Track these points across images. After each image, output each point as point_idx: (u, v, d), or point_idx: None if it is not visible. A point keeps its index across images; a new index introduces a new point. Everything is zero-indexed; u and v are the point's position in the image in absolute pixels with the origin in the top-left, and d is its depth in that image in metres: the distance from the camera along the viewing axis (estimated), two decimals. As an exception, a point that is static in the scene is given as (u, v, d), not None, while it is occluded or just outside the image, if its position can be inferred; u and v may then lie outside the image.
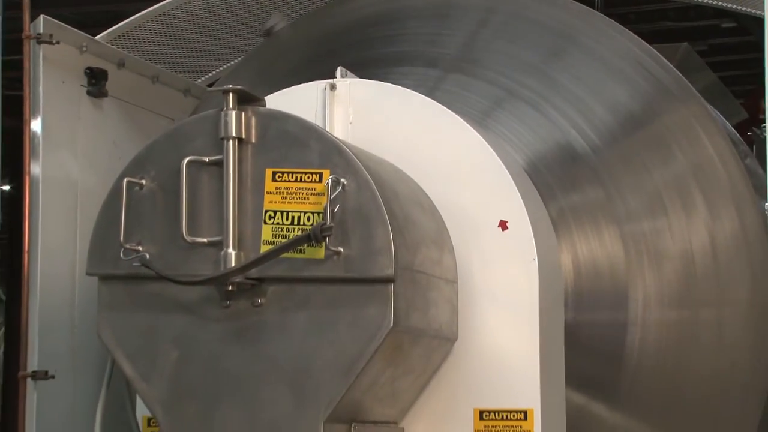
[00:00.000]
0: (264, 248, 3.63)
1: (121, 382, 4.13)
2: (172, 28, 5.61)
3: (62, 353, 4.66)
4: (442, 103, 4.18)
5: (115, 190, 3.76)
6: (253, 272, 3.62)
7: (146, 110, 5.20)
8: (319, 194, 3.62)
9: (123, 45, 5.46)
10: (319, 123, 3.97)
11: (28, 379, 4.55)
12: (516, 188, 4.06)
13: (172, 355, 3.69)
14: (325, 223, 3.55)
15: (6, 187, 9.44)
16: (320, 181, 3.63)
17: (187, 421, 3.65)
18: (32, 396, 4.55)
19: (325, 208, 3.57)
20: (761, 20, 4.17)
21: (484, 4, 4.80)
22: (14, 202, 4.79)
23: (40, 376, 4.55)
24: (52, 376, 4.57)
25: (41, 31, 4.70)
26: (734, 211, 4.50)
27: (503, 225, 4.04)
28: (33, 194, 4.66)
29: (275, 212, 3.66)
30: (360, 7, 5.02)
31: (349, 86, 4.19)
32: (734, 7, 6.00)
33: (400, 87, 4.26)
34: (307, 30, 5.14)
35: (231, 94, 3.68)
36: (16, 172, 4.71)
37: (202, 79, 5.85)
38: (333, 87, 4.16)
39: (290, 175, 3.66)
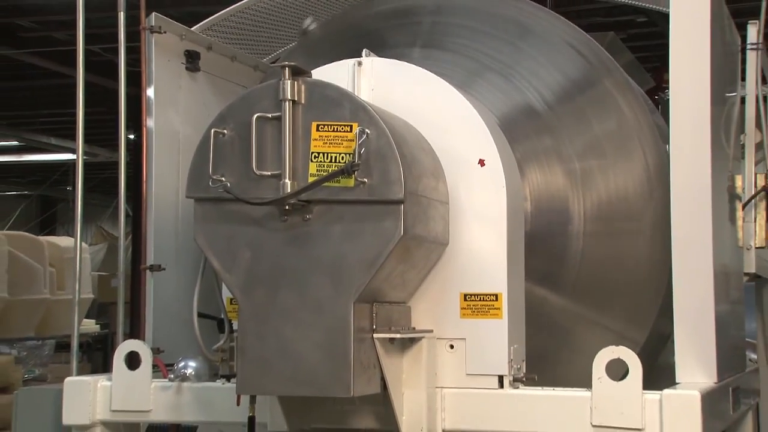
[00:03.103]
0: (311, 179, 3.56)
1: (211, 273, 4.09)
2: (246, 21, 5.51)
3: (170, 252, 4.61)
4: (435, 74, 4.08)
5: (206, 138, 3.69)
6: (303, 196, 3.55)
7: (227, 81, 5.11)
8: (350, 140, 3.54)
9: (211, 34, 5.37)
10: (350, 89, 3.88)
11: (147, 271, 4.52)
12: (491, 136, 3.98)
13: (246, 254, 3.63)
14: (354, 161, 3.50)
15: (131, 136, 9.44)
16: (351, 131, 3.55)
17: (257, 301, 3.60)
18: (150, 283, 4.51)
19: (355, 151, 3.51)
20: (666, 15, 4.09)
21: (464, 3, 4.67)
22: (137, 146, 4.81)
23: (155, 268, 4.52)
24: (164, 269, 4.53)
25: (153, 24, 4.62)
26: (647, 151, 4.40)
27: (481, 162, 3.96)
28: (149, 141, 4.60)
29: (319, 153, 3.58)
30: (378, 6, 4.87)
31: (371, 63, 4.08)
32: (646, 6, 5.98)
33: (408, 63, 4.15)
34: (339, 23, 5.03)
35: (287, 69, 3.59)
36: (137, 126, 4.71)
37: (267, 58, 5.76)
38: (360, 63, 4.07)
39: (329, 126, 3.58)
